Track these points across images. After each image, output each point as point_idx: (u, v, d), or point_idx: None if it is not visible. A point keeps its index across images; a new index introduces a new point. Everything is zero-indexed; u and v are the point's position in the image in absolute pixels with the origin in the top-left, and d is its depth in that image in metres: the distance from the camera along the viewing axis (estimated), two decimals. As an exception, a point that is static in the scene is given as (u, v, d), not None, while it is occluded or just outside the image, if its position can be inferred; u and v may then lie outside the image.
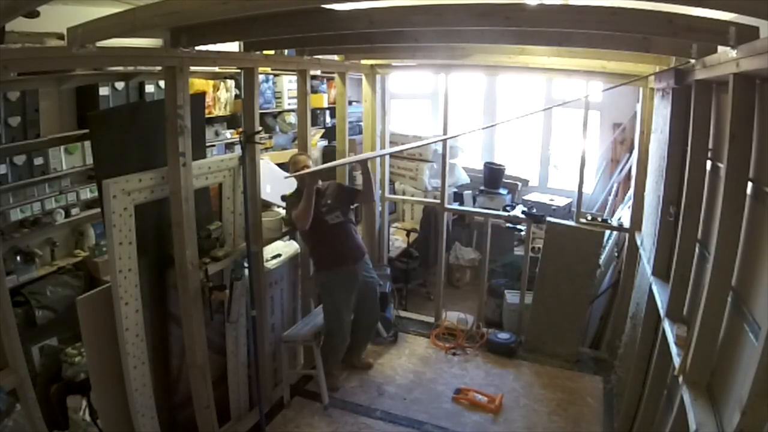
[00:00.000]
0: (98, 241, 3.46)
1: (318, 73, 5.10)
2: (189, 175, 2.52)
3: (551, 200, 4.88)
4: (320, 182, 3.28)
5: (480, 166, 5.35)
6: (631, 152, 4.79)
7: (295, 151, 3.69)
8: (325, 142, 5.04)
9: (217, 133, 4.32)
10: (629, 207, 3.89)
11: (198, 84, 4.06)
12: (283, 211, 3.58)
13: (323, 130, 5.32)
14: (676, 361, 1.94)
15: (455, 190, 5.14)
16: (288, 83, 4.86)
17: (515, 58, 3.35)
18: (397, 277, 4.64)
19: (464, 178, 5.32)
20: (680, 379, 1.84)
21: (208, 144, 3.80)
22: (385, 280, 4.17)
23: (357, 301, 3.42)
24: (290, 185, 3.31)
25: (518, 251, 4.87)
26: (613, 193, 5.04)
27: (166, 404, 2.75)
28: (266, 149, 4.67)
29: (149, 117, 2.59)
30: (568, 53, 2.87)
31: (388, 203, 4.73)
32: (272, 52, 3.39)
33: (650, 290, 2.67)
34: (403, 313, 4.55)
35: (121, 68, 3.39)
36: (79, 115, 3.33)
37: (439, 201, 4.42)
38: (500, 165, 5.15)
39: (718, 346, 1.74)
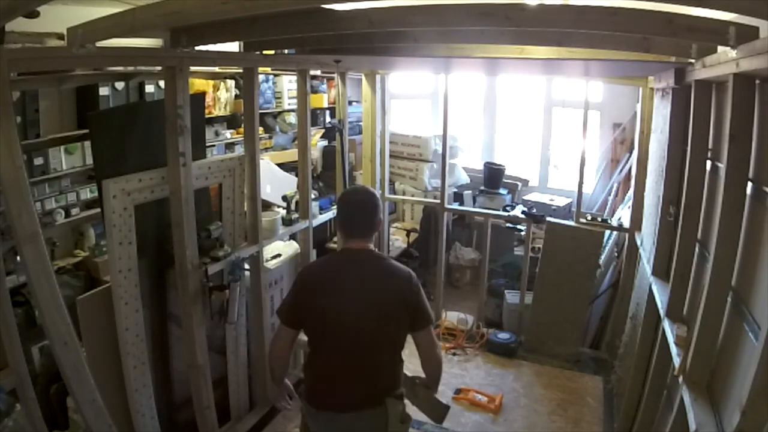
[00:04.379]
0: (98, 241, 3.46)
1: (318, 73, 5.10)
2: (189, 175, 2.52)
3: (551, 200, 4.88)
4: None
5: (480, 166, 5.35)
6: (631, 152, 4.79)
7: (295, 151, 3.69)
8: (324, 142, 5.04)
9: (217, 133, 4.32)
10: (629, 207, 3.89)
11: (198, 84, 4.06)
12: (283, 211, 3.58)
13: (323, 130, 5.31)
14: (676, 361, 1.95)
15: (455, 190, 5.14)
16: (288, 83, 4.87)
17: (515, 56, 3.35)
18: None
19: (464, 178, 5.32)
20: (680, 379, 1.84)
21: (208, 144, 3.80)
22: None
23: None
24: (290, 185, 3.31)
25: (518, 251, 4.86)
26: (613, 193, 5.04)
27: (166, 404, 2.75)
28: (266, 149, 4.67)
29: (149, 117, 2.59)
30: (568, 53, 2.87)
31: (388, 203, 4.73)
32: (272, 52, 3.40)
33: (650, 290, 2.67)
34: (403, 313, 4.55)
35: (121, 68, 3.39)
36: (79, 115, 3.33)
37: (439, 201, 4.42)
38: (500, 165, 5.15)
39: (718, 346, 1.74)
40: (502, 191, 5.00)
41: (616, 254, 4.33)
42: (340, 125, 3.84)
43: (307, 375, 2.03)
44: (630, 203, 3.88)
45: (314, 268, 2.17)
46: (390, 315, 1.88)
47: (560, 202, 4.84)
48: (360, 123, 4.61)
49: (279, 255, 3.44)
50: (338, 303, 1.87)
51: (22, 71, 2.38)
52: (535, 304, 4.04)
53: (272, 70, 4.62)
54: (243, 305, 2.99)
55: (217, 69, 4.08)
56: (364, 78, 4.33)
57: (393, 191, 5.18)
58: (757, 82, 1.59)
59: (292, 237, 3.67)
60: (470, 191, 5.05)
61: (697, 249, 2.14)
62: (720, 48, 1.81)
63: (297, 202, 3.59)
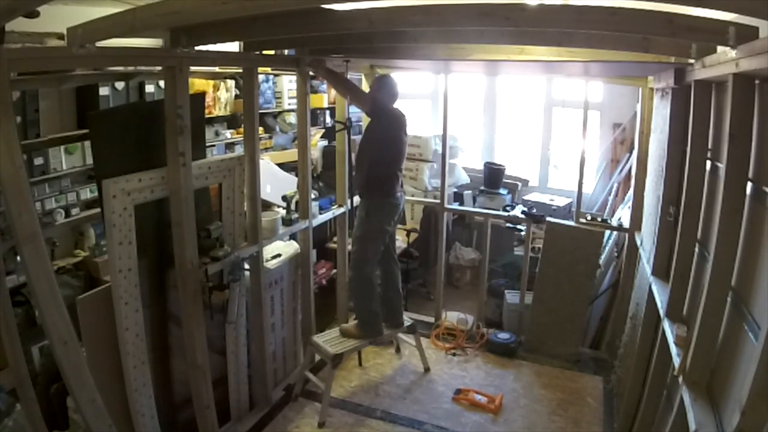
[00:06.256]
0: (98, 241, 3.46)
1: (318, 73, 5.09)
2: (189, 175, 2.52)
3: (551, 200, 4.88)
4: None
5: (480, 166, 5.35)
6: (631, 152, 4.79)
7: (295, 151, 3.69)
8: (324, 142, 5.04)
9: (217, 133, 4.32)
10: (629, 207, 3.89)
11: (198, 84, 4.05)
12: (283, 211, 3.58)
13: (323, 130, 5.32)
14: (676, 361, 1.95)
15: (455, 190, 5.13)
16: (288, 83, 4.86)
17: (515, 57, 3.36)
18: (397, 277, 4.63)
19: (464, 178, 5.31)
20: (680, 379, 1.84)
21: (208, 144, 3.79)
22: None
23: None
24: (290, 185, 3.31)
25: (518, 251, 4.87)
26: (613, 193, 5.04)
27: (166, 404, 2.75)
28: (266, 149, 4.67)
29: (149, 117, 2.59)
30: (568, 53, 2.87)
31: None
32: (272, 52, 3.40)
33: (650, 290, 2.67)
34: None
35: (121, 68, 3.39)
36: (79, 115, 3.32)
37: (439, 201, 4.42)
38: (500, 165, 5.15)
39: (718, 346, 1.74)
40: (502, 191, 5.00)
41: (616, 254, 4.33)
42: (350, 122, 3.85)
43: (380, 181, 3.50)
44: (630, 203, 3.88)
45: (392, 115, 3.61)
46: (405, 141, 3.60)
47: (560, 202, 4.84)
48: (360, 123, 4.61)
49: (279, 255, 3.44)
50: (398, 138, 3.51)
51: (22, 71, 2.39)
52: (535, 304, 4.04)
53: (272, 70, 4.62)
54: (243, 305, 3.00)
55: (217, 69, 4.08)
56: (363, 78, 4.33)
57: (393, 191, 5.16)
58: (757, 82, 1.59)
59: (292, 237, 3.67)
60: (470, 191, 5.04)
61: (697, 249, 2.15)
62: (720, 48, 1.81)
63: (297, 202, 3.59)
